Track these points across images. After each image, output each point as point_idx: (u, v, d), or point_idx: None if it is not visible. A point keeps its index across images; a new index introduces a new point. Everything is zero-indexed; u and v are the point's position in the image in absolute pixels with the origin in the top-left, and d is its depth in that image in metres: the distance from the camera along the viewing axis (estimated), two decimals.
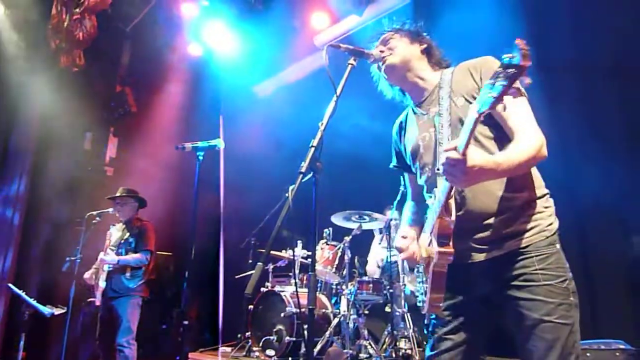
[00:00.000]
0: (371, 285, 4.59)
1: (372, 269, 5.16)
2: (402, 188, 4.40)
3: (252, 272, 1.59)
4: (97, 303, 4.53)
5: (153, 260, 4.80)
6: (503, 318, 1.69)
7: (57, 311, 4.61)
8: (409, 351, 4.23)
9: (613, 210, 3.68)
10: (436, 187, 1.67)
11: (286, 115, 6.41)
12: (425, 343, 4.47)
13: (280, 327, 4.66)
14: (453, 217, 1.58)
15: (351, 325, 4.50)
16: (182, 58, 7.30)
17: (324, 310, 4.82)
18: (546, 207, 1.70)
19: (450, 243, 1.59)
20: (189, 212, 3.29)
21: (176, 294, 6.66)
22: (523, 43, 1.15)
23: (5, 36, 5.96)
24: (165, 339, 6.35)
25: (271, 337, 4.67)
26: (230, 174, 6.96)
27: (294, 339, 4.49)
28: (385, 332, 4.55)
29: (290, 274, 5.56)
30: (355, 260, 5.12)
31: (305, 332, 1.88)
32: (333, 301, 5.08)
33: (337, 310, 4.75)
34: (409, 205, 2.11)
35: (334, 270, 4.95)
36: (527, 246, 1.63)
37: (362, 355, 4.32)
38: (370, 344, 4.33)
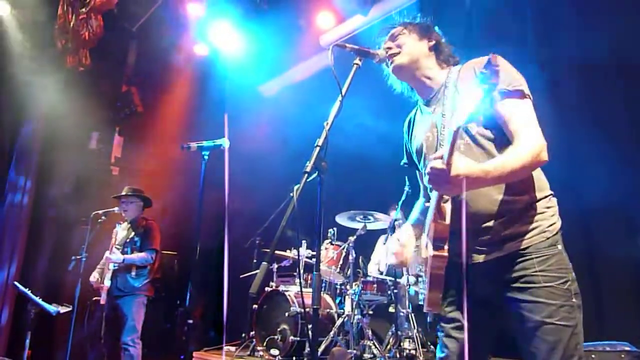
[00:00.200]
0: (375, 285, 4.60)
1: (372, 268, 5.15)
2: (406, 188, 4.40)
3: (257, 271, 1.59)
4: (102, 302, 4.55)
5: (158, 259, 4.83)
6: (505, 320, 1.68)
7: (63, 309, 4.64)
8: (413, 351, 4.23)
9: (618, 210, 3.64)
10: None
11: (291, 114, 6.41)
12: (429, 343, 4.48)
13: (284, 326, 4.67)
14: (447, 221, 1.57)
15: (355, 325, 4.49)
16: (188, 58, 7.31)
17: (328, 310, 4.82)
18: (548, 208, 1.68)
19: (446, 247, 1.57)
20: (194, 212, 3.30)
21: (181, 293, 6.67)
22: (496, 59, 1.18)
23: (11, 36, 5.99)
24: (169, 338, 6.37)
25: (275, 337, 4.67)
26: (235, 173, 6.93)
27: (298, 338, 4.48)
28: (390, 333, 4.55)
29: (295, 273, 5.56)
30: (360, 261, 5.12)
31: (310, 332, 1.88)
32: (337, 301, 5.08)
33: (342, 310, 4.75)
34: (419, 204, 2.10)
35: (338, 270, 4.95)
36: (527, 247, 1.61)
37: (366, 355, 4.32)
38: (374, 344, 4.33)
